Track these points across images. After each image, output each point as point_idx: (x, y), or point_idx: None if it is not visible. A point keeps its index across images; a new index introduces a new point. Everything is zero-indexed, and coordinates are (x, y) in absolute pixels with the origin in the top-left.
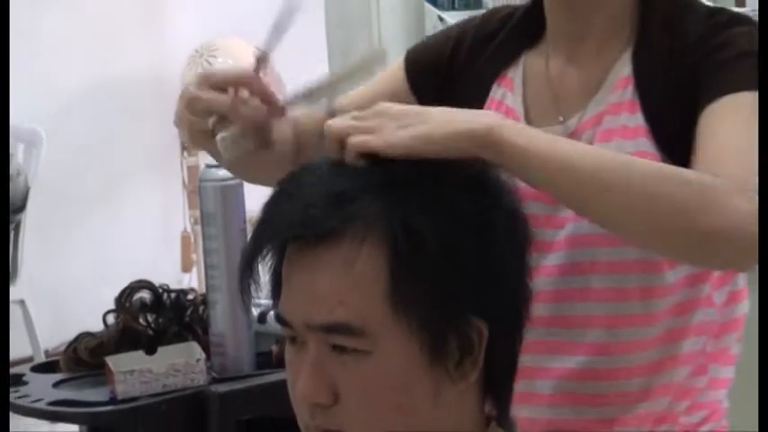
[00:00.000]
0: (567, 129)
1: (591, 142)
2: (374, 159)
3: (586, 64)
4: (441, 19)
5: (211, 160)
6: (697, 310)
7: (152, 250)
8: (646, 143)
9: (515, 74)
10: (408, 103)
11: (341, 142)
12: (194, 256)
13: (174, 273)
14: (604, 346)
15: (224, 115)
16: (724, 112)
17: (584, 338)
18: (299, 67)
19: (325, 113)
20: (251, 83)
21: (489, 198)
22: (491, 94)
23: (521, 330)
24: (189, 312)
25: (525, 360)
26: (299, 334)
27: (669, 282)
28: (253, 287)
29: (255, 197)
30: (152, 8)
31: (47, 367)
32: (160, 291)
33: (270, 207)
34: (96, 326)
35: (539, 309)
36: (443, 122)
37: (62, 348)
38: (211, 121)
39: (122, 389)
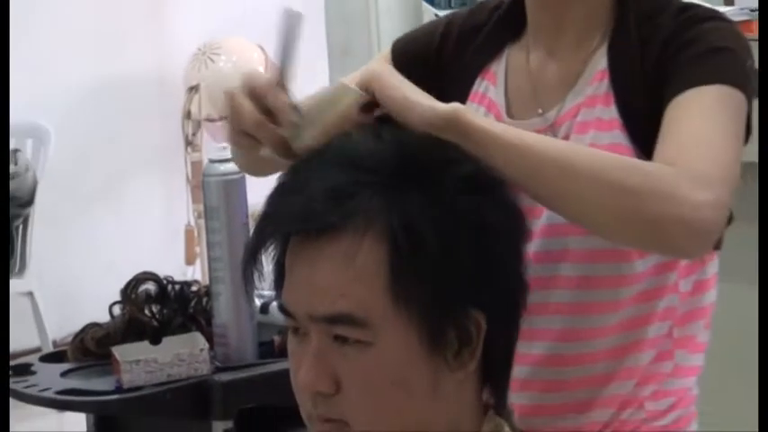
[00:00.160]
0: (547, 121)
1: (568, 134)
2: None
3: (565, 57)
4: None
5: (214, 155)
6: (663, 297)
7: (157, 243)
8: (620, 135)
9: (498, 67)
10: None
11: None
12: (198, 249)
13: (178, 265)
14: (570, 332)
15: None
16: (688, 105)
17: (552, 325)
18: (298, 66)
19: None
20: (275, 100)
21: (486, 193)
22: (475, 87)
23: (517, 320)
24: (193, 304)
25: None
26: (301, 325)
27: (638, 270)
28: (256, 278)
29: (257, 191)
30: (156, 8)
31: (54, 357)
32: (165, 283)
33: (273, 200)
34: (103, 317)
35: None
36: (418, 98)
37: (69, 339)
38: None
39: (128, 378)
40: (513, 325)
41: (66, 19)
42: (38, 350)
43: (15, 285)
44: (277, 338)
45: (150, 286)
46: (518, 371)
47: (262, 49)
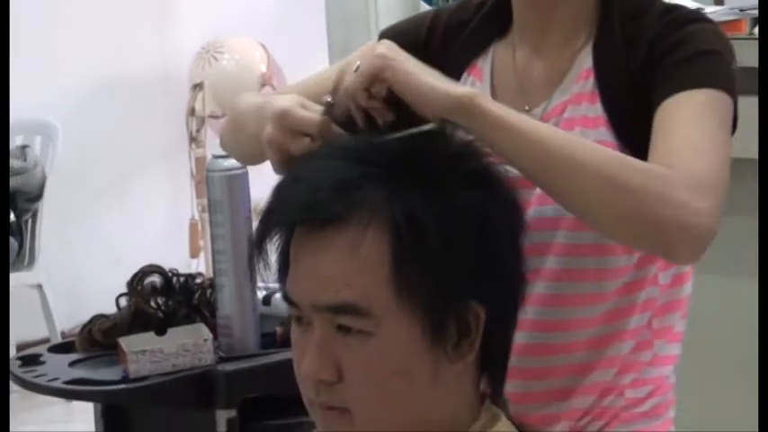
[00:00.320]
0: (533, 117)
1: None
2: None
3: (552, 55)
4: None
5: (218, 151)
6: (644, 289)
7: (162, 237)
8: (605, 132)
9: (484, 64)
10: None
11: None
12: (202, 243)
13: (182, 258)
14: (553, 323)
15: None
16: (679, 108)
17: (536, 316)
18: (299, 65)
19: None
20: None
21: (487, 188)
22: (461, 82)
23: (516, 312)
24: (197, 295)
25: None
26: (305, 314)
27: (621, 265)
28: (261, 268)
29: (260, 186)
30: (160, 8)
31: (63, 348)
32: (170, 275)
33: (280, 190)
34: (110, 308)
35: None
36: (434, 82)
37: (77, 330)
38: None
39: (134, 368)
40: (511, 318)
41: (72, 19)
42: (46, 341)
43: (24, 278)
44: (279, 329)
45: (156, 279)
46: None
47: (264, 47)
